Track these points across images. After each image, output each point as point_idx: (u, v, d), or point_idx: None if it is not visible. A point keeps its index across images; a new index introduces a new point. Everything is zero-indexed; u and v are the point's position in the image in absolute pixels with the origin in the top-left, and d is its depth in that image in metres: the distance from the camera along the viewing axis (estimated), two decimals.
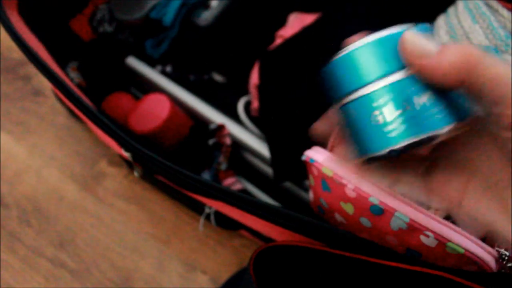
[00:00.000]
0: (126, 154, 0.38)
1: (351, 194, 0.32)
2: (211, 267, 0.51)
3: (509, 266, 0.30)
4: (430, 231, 0.29)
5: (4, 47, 0.72)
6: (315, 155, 0.35)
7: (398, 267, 0.30)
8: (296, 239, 0.35)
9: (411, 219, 0.29)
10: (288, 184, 0.50)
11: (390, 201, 0.30)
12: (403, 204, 0.30)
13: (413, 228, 0.29)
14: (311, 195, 0.38)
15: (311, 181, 0.37)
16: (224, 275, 0.50)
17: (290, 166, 0.46)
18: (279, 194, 0.50)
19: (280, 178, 0.47)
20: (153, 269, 0.52)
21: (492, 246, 0.32)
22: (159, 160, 0.32)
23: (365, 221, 0.32)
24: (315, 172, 0.35)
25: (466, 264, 0.30)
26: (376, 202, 0.30)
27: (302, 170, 0.46)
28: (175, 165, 0.32)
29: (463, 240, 0.29)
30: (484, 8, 0.42)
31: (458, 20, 0.43)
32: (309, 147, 0.46)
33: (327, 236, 0.31)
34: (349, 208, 0.33)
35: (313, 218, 0.33)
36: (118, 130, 0.35)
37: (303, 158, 0.37)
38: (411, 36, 0.21)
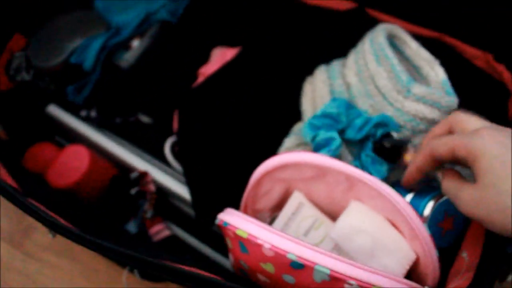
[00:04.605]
0: None
1: (268, 253, 0.31)
2: None
3: None
4: (353, 279, 0.29)
5: None
6: (228, 217, 0.34)
7: None
8: None
9: (332, 270, 0.29)
10: (216, 227, 0.49)
11: (308, 255, 0.30)
12: (322, 256, 0.30)
13: (336, 279, 0.29)
14: (231, 258, 0.38)
15: (229, 244, 0.36)
16: None
17: (212, 209, 0.45)
18: (208, 237, 0.49)
19: (203, 220, 0.46)
20: None
21: (423, 285, 0.32)
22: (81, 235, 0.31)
23: (288, 278, 0.32)
24: (231, 234, 0.34)
25: None
26: (294, 258, 0.30)
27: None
28: (94, 239, 0.30)
29: (388, 282, 0.29)
30: (387, 50, 0.41)
31: (365, 62, 0.42)
32: (230, 188, 0.46)
33: None
34: (269, 268, 0.32)
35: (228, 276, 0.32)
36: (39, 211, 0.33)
37: (217, 222, 0.36)
38: None
